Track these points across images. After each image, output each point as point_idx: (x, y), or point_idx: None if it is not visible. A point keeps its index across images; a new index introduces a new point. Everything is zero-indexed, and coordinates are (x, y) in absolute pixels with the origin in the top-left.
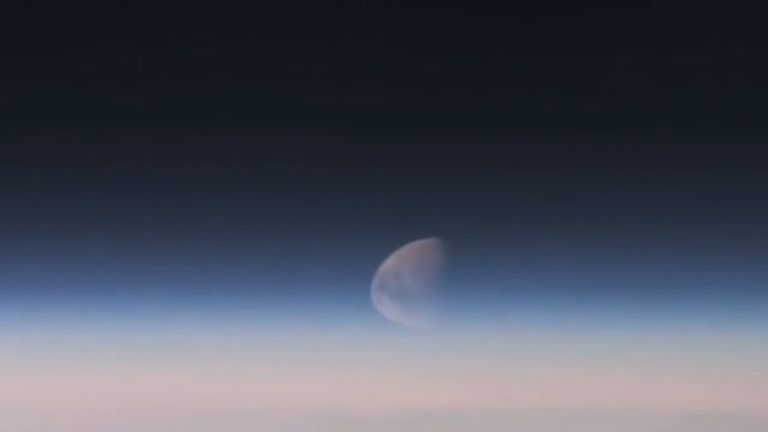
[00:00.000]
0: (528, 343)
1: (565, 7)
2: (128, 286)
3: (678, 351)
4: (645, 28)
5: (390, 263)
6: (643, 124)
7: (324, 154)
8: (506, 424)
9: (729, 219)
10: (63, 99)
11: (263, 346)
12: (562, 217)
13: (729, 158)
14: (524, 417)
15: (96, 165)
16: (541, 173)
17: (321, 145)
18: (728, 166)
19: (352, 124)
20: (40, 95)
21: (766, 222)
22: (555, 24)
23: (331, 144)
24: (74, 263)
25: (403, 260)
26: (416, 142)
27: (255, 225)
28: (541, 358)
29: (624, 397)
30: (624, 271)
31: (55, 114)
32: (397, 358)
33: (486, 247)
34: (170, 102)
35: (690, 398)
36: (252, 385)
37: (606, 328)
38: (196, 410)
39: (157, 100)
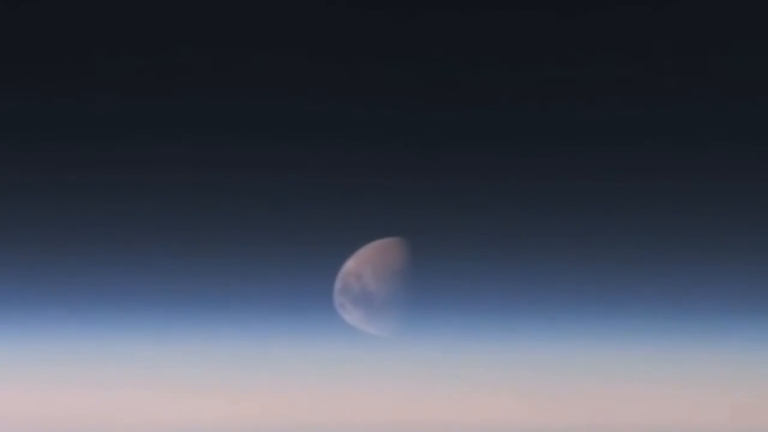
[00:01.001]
0: (496, 352)
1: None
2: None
3: (646, 364)
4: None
5: (351, 264)
6: (641, 132)
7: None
8: None
9: (733, 231)
10: (62, 105)
11: (222, 355)
12: (541, 224)
13: (736, 170)
14: None
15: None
16: (516, 179)
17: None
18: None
19: (312, 129)
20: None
21: None
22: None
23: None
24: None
25: (365, 261)
26: (382, 148)
27: (211, 227)
28: (510, 369)
29: (596, 414)
30: (600, 279)
31: (54, 121)
32: (358, 370)
33: (452, 248)
34: (153, 112)
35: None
36: (210, 399)
37: (579, 340)
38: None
39: (146, 108)
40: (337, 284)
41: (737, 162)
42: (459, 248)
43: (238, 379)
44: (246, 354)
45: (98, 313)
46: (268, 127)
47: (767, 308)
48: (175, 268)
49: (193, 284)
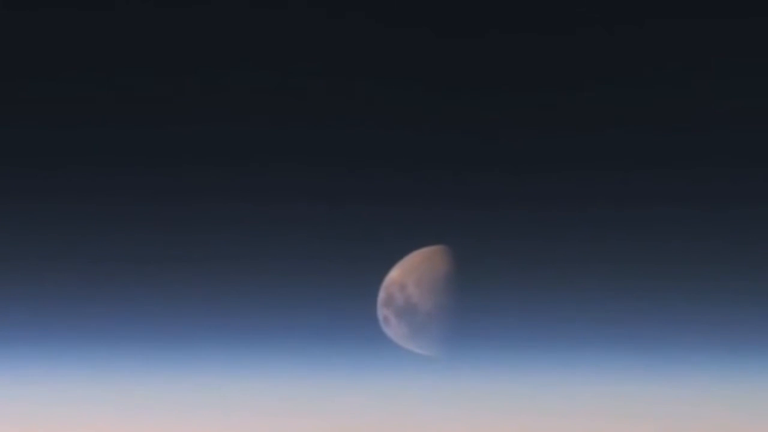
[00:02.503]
0: (545, 376)
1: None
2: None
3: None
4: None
5: (395, 274)
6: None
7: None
8: None
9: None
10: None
11: (266, 379)
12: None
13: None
14: None
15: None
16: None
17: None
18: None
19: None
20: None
21: None
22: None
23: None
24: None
25: (409, 271)
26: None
27: (249, 237)
28: (559, 395)
29: None
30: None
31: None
32: (402, 393)
33: (499, 256)
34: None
35: None
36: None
37: (632, 372)
38: None
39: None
40: (381, 295)
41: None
42: (505, 258)
43: (277, 398)
44: (284, 375)
45: (145, 346)
46: (328, 154)
47: None
48: (216, 290)
49: (231, 302)
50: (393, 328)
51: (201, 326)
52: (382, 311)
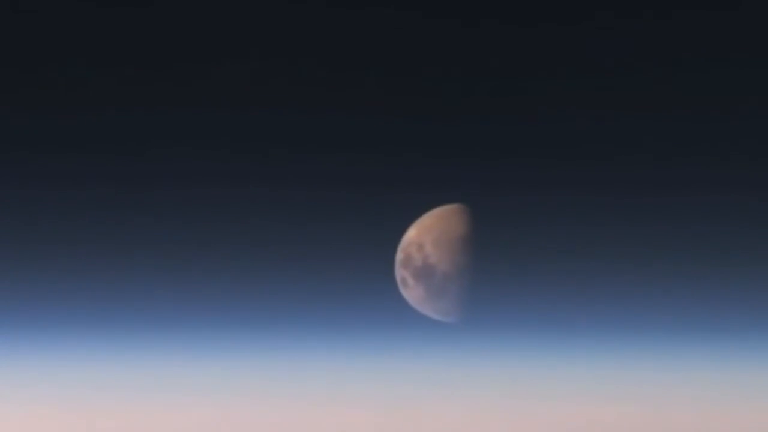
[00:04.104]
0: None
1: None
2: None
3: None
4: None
5: (413, 234)
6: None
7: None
8: None
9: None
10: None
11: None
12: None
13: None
14: None
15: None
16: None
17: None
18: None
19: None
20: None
21: None
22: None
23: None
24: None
25: (427, 230)
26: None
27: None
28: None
29: None
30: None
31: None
32: (416, 366)
33: (520, 216)
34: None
35: None
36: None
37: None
38: None
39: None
40: (399, 256)
41: None
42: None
43: (289, 363)
44: (299, 340)
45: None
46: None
47: None
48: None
49: (251, 268)
50: (410, 290)
51: (225, 294)
52: (399, 272)
